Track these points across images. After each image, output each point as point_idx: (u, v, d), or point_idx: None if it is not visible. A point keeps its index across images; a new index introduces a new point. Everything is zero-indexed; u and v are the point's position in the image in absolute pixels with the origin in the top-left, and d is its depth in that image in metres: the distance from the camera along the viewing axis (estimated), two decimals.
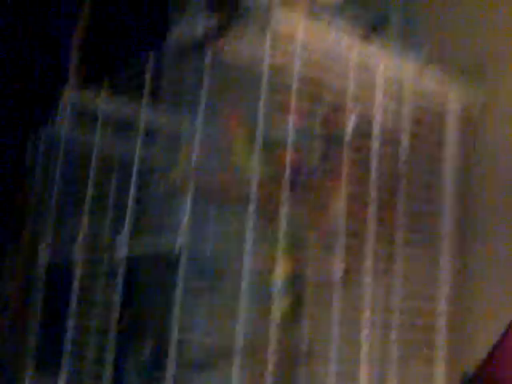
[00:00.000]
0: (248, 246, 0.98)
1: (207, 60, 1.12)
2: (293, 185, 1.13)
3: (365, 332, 1.07)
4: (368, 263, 1.09)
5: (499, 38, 1.32)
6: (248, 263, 0.98)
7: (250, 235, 0.99)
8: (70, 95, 1.66)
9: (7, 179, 2.17)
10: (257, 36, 1.07)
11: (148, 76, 1.29)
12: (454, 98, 1.25)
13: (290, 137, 1.05)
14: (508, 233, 1.24)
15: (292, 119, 1.04)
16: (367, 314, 1.08)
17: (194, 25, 1.15)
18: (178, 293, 1.11)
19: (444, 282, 1.22)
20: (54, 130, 1.73)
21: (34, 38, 2.64)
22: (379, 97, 1.15)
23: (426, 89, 1.21)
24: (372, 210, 1.11)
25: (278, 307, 1.06)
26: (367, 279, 1.09)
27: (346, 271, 1.22)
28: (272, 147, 1.10)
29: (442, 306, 1.20)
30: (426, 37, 1.41)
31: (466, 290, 1.25)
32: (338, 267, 1.12)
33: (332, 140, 1.27)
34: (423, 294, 1.20)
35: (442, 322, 1.20)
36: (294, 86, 1.03)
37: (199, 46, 1.12)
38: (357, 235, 1.13)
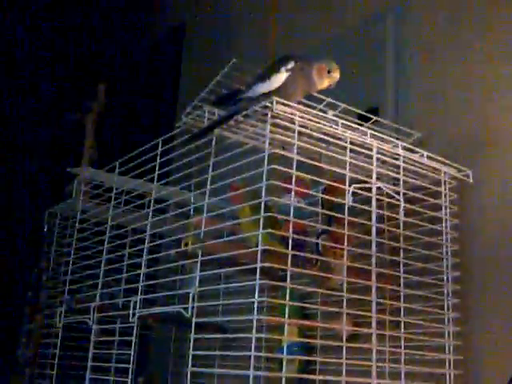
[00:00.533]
0: (255, 315, 1.01)
1: (213, 140, 1.21)
2: (299, 247, 1.19)
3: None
4: (374, 316, 1.13)
5: (484, 121, 1.43)
6: (255, 328, 1.01)
7: (256, 304, 1.02)
8: (84, 172, 1.76)
9: (25, 248, 2.27)
10: (258, 118, 1.16)
11: (158, 159, 1.38)
12: (445, 173, 1.32)
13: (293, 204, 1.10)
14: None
15: (294, 189, 1.10)
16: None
17: (200, 113, 1.23)
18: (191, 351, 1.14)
19: (450, 334, 1.27)
20: (70, 203, 1.83)
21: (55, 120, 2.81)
22: (375, 167, 1.21)
23: (419, 162, 1.28)
24: (374, 267, 1.16)
25: (288, 369, 1.09)
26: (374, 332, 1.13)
27: (353, 336, 1.27)
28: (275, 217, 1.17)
29: (448, 356, 1.25)
30: (417, 119, 1.49)
31: (471, 340, 1.31)
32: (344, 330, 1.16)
33: (334, 206, 1.33)
34: (429, 344, 1.25)
35: (449, 371, 1.25)
36: (295, 160, 1.09)
37: (206, 131, 1.20)
38: (362, 291, 1.18)
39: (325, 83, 1.18)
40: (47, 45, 3.09)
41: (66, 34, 3.18)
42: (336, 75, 1.18)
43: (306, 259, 1.22)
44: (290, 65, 1.15)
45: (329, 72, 1.18)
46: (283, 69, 1.15)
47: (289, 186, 1.12)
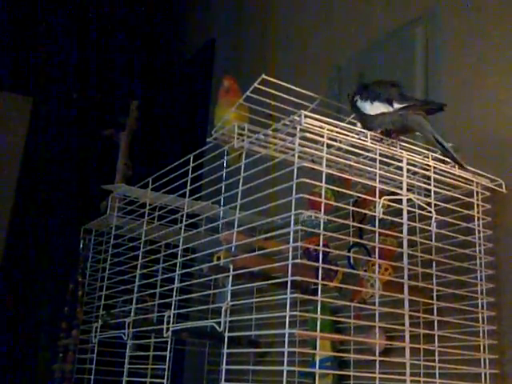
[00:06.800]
0: (287, 329, 1.01)
1: (243, 154, 1.23)
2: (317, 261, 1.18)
3: None
4: (407, 329, 1.12)
5: None
6: (287, 344, 1.01)
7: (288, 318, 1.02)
8: (118, 189, 1.79)
9: (61, 264, 2.31)
10: (288, 133, 1.16)
11: (189, 174, 1.40)
12: (477, 183, 1.31)
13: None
14: None
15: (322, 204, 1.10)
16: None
17: (230, 128, 1.24)
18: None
19: (485, 347, 1.25)
20: (105, 219, 1.86)
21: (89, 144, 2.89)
22: (406, 178, 1.21)
23: (450, 173, 1.27)
24: (406, 280, 1.15)
25: None
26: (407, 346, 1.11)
27: (386, 350, 1.26)
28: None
29: (484, 369, 1.23)
30: (447, 129, 1.48)
31: (507, 352, 1.28)
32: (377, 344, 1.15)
33: (365, 219, 1.33)
34: (464, 358, 1.23)
35: None
36: (324, 172, 1.09)
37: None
38: (395, 305, 1.17)
39: None
40: (80, 62, 3.16)
41: (99, 51, 3.25)
42: None
43: (325, 272, 1.22)
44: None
45: None
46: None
47: (314, 199, 1.15)
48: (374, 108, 1.23)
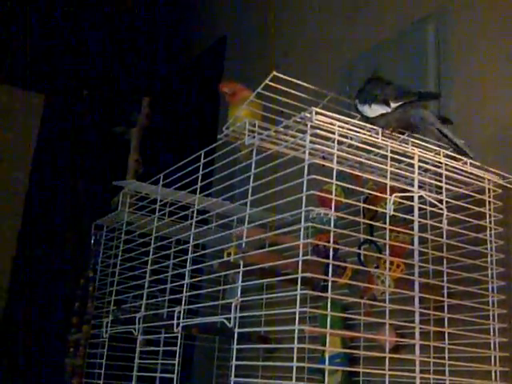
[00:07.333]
0: (296, 325, 1.01)
1: (253, 151, 1.23)
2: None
3: None
4: (417, 326, 1.12)
5: None
6: (297, 338, 1.01)
7: (298, 315, 1.02)
8: (130, 185, 1.80)
9: (73, 259, 2.33)
10: (298, 129, 1.16)
11: (200, 171, 1.40)
12: (489, 181, 1.31)
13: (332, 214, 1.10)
14: None
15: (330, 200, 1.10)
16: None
17: (241, 125, 1.24)
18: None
19: (496, 344, 1.24)
20: (116, 215, 1.87)
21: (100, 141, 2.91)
22: (417, 175, 1.20)
23: (462, 170, 1.26)
24: (417, 277, 1.14)
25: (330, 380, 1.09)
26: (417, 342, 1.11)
27: (396, 347, 1.26)
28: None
29: (495, 367, 1.23)
30: (459, 126, 1.47)
31: None
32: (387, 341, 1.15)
33: (376, 216, 1.32)
34: (474, 356, 1.23)
35: (495, 383, 1.22)
36: (335, 169, 1.09)
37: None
38: (405, 302, 1.17)
39: None
40: (91, 59, 3.17)
41: (110, 48, 3.26)
42: None
43: (333, 269, 1.22)
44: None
45: None
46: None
47: (323, 196, 1.15)
48: (373, 111, 1.26)
